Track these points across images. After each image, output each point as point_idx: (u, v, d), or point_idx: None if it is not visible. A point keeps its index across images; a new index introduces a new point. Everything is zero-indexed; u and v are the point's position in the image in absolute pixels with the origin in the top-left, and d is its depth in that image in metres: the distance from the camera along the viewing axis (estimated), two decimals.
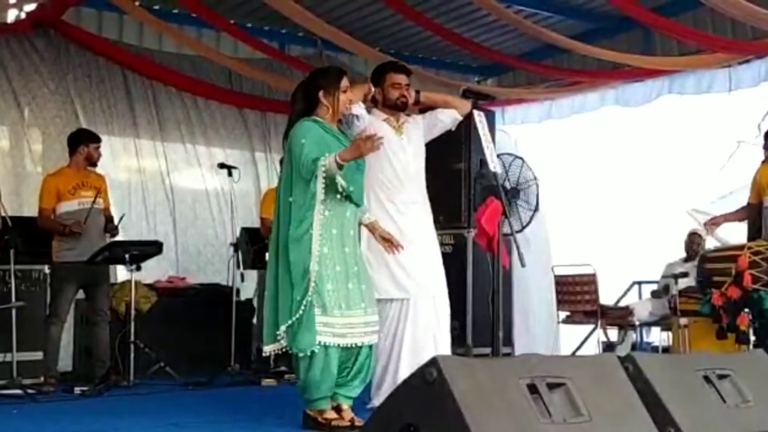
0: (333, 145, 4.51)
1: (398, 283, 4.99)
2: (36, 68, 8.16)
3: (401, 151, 5.10)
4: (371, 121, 5.08)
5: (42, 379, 6.32)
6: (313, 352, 4.38)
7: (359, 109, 4.93)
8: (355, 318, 4.50)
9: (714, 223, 6.85)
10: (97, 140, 6.74)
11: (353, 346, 4.50)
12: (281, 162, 7.82)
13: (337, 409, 4.56)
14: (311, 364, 4.42)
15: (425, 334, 4.96)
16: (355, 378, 4.58)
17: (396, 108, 5.15)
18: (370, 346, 4.61)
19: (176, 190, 8.94)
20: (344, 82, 4.65)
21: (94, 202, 6.50)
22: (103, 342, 6.56)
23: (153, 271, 7.63)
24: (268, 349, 4.57)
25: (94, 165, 6.73)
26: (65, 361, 6.94)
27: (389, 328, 4.98)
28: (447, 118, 5.26)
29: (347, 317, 4.46)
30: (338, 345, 4.44)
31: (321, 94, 4.60)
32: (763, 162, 6.54)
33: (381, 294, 4.89)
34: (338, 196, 4.46)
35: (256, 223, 8.12)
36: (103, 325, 6.59)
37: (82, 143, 6.66)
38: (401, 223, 5.02)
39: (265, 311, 4.62)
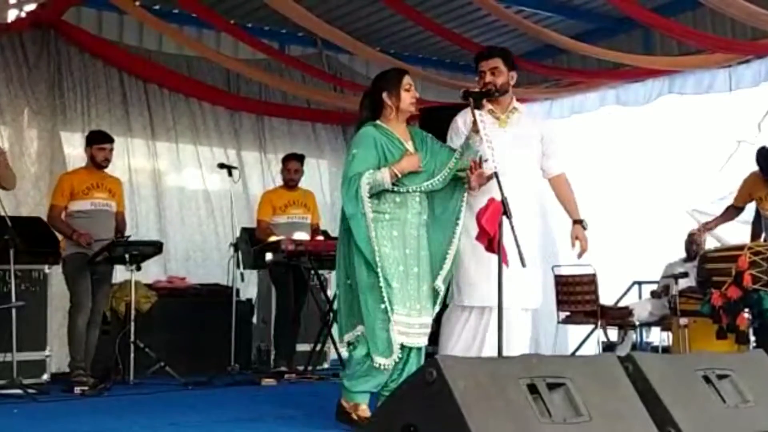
0: (390, 151, 4.52)
1: (476, 290, 4.66)
2: (34, 69, 8.15)
3: (499, 144, 4.65)
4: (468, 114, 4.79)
5: (71, 371, 6.38)
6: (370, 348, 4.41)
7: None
8: (414, 318, 4.48)
9: (708, 228, 6.90)
10: (101, 141, 6.74)
11: (406, 346, 4.47)
12: (284, 160, 7.87)
13: None
14: (366, 359, 4.41)
15: (462, 347, 4.67)
16: (401, 378, 4.51)
17: (487, 96, 4.81)
18: (420, 348, 4.56)
19: (173, 191, 8.95)
20: (406, 80, 4.63)
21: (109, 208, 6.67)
22: (91, 344, 6.56)
23: (148, 271, 7.60)
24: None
25: (101, 166, 6.73)
26: (64, 361, 6.92)
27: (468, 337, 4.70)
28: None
29: (408, 317, 4.45)
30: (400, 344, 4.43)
31: (384, 95, 4.59)
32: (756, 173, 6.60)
33: (461, 300, 4.70)
34: (397, 198, 4.48)
35: (246, 224, 8.18)
36: (95, 326, 6.60)
37: (87, 145, 6.79)
38: None
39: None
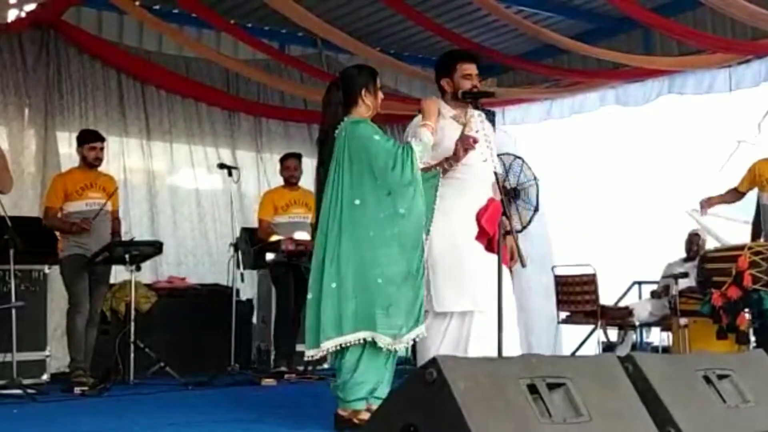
0: None
1: (458, 295, 4.60)
2: (32, 71, 8.14)
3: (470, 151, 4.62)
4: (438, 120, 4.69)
5: (70, 372, 6.38)
6: (362, 352, 4.35)
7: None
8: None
9: (709, 204, 6.89)
10: (92, 140, 6.73)
11: (391, 351, 4.40)
12: (283, 160, 7.85)
13: (369, 411, 4.50)
14: (358, 365, 4.37)
15: (459, 350, 4.58)
16: (387, 383, 4.48)
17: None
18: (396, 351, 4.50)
19: (168, 192, 8.93)
20: (378, 80, 4.62)
21: (104, 205, 6.57)
22: (90, 344, 6.57)
23: (142, 274, 7.59)
24: (313, 353, 4.41)
25: (92, 166, 6.73)
26: (63, 361, 6.92)
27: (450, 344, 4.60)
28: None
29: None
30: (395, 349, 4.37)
31: (363, 92, 4.53)
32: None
33: (442, 306, 4.61)
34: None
35: (241, 225, 8.16)
36: (93, 326, 6.61)
37: (78, 145, 6.77)
38: (461, 228, 4.62)
39: (312, 316, 4.41)
